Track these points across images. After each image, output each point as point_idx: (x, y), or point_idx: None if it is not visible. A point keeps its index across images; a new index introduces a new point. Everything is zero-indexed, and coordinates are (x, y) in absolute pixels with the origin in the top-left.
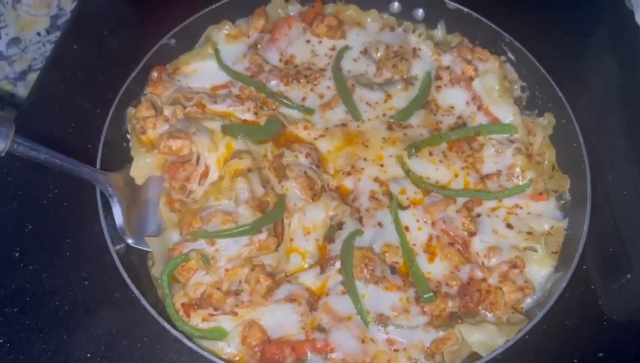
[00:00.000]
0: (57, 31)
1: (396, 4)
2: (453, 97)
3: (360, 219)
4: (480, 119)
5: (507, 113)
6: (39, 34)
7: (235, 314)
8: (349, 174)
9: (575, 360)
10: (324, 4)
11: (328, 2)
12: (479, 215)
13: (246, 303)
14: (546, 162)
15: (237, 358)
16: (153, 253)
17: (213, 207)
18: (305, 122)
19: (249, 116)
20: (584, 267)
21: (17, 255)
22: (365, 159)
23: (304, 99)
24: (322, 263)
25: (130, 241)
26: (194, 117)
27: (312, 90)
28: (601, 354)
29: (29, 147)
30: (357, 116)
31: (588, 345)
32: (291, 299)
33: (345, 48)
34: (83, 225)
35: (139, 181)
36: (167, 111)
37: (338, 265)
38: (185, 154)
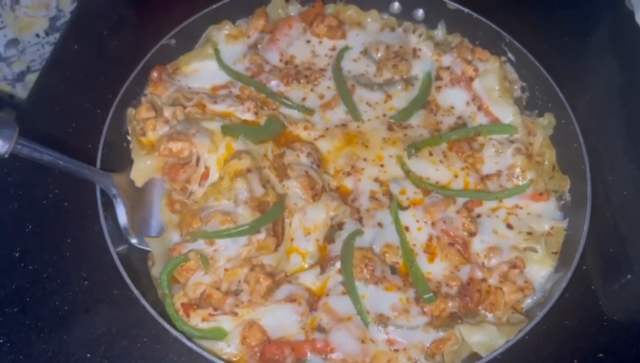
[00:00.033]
0: (56, 33)
1: (396, 4)
2: (453, 98)
3: (360, 220)
4: (481, 119)
5: (507, 113)
6: (37, 35)
7: (235, 314)
8: (349, 174)
9: (575, 361)
10: (324, 4)
11: (328, 2)
12: (479, 215)
13: (246, 303)
14: (546, 162)
15: (237, 358)
16: (153, 254)
17: (212, 207)
18: (305, 122)
19: (249, 116)
20: (584, 267)
21: (17, 255)
22: (365, 159)
23: (304, 99)
24: (322, 263)
25: (134, 241)
26: (194, 117)
27: (312, 90)
28: (601, 354)
29: (33, 148)
30: (357, 116)
31: (588, 346)
32: (291, 299)
33: (346, 48)
34: (83, 225)
35: (139, 183)
36: (167, 113)
37: (338, 265)
38: (185, 156)
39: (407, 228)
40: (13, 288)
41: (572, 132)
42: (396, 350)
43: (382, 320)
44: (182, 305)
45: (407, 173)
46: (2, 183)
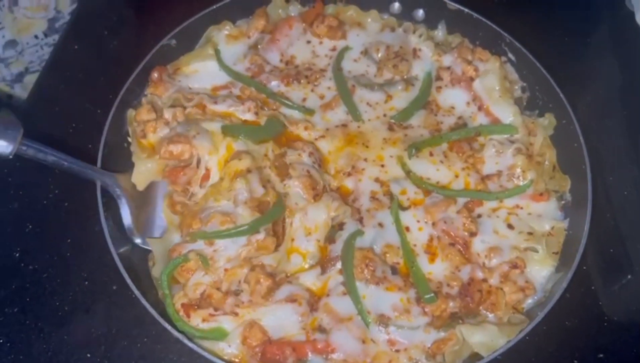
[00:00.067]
0: (55, 34)
1: (396, 5)
2: (453, 98)
3: (360, 220)
4: (481, 119)
5: (507, 113)
6: (36, 37)
7: (236, 314)
8: (349, 174)
9: (575, 361)
10: (325, 4)
11: (328, 2)
12: (479, 216)
13: (246, 303)
14: (547, 162)
15: (238, 358)
16: (154, 254)
17: (212, 208)
18: (305, 122)
19: (249, 116)
20: (584, 268)
21: (17, 255)
22: (365, 159)
23: (304, 99)
24: (323, 263)
25: (138, 241)
26: (194, 118)
27: (312, 90)
28: (601, 355)
29: (37, 149)
30: (358, 117)
31: (588, 346)
32: (292, 299)
33: (346, 48)
34: (83, 225)
35: (140, 187)
36: (168, 114)
37: (339, 265)
38: (186, 159)
39: (407, 228)
40: (13, 288)
41: (572, 132)
42: (397, 351)
43: (383, 321)
44: (183, 305)
45: (408, 173)
46: (2, 183)
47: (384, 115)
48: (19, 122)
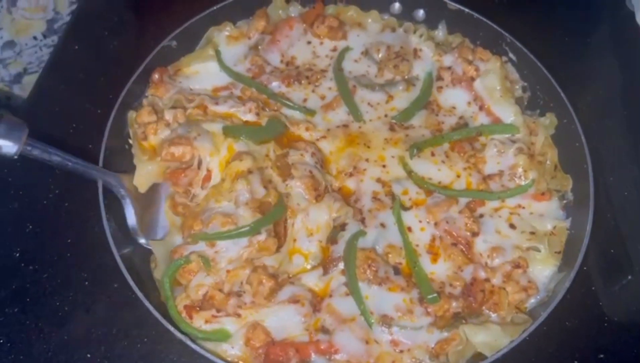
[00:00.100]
0: (54, 35)
1: (397, 5)
2: (454, 98)
3: (362, 220)
4: (482, 119)
5: (508, 113)
6: (35, 38)
7: (239, 316)
8: (351, 175)
9: (575, 362)
10: (325, 5)
11: (329, 3)
12: (481, 215)
13: (249, 304)
14: (548, 162)
15: (242, 360)
16: (156, 256)
17: (213, 209)
18: (307, 123)
19: (250, 117)
20: (585, 268)
21: (17, 255)
22: (367, 160)
23: (305, 100)
24: (325, 264)
25: (142, 241)
26: (195, 119)
27: (313, 91)
28: (602, 355)
29: (42, 149)
30: (359, 117)
31: (589, 347)
32: (294, 300)
33: (346, 49)
34: (83, 226)
35: (142, 189)
36: (168, 115)
37: (341, 266)
38: (187, 160)
39: (409, 229)
40: (13, 288)
41: (573, 131)
42: (400, 351)
43: (386, 321)
44: (185, 307)
45: (410, 173)
46: (2, 183)
47: (385, 115)
48: (24, 123)
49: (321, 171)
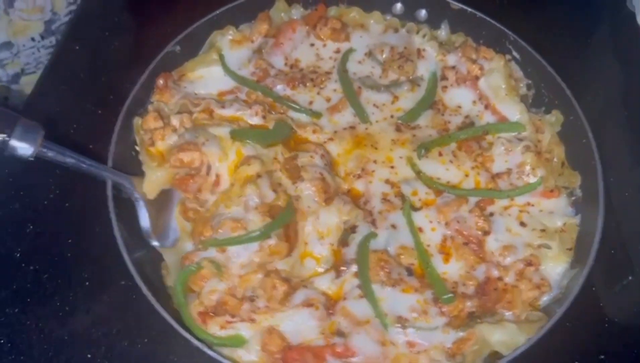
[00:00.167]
0: (52, 36)
1: (398, 5)
2: (460, 97)
3: (373, 222)
4: (488, 118)
5: (514, 111)
6: (33, 39)
7: (253, 321)
8: (359, 177)
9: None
10: (327, 7)
11: (331, 4)
12: (491, 214)
13: (263, 309)
14: (555, 159)
15: None
16: (167, 263)
17: (223, 215)
18: (313, 125)
19: (257, 120)
20: None
21: (18, 255)
22: (375, 161)
23: (311, 102)
24: (337, 267)
25: (155, 243)
26: (202, 123)
27: (318, 93)
28: (602, 356)
29: (57, 151)
30: (365, 118)
31: (589, 347)
32: (308, 304)
33: (350, 50)
34: (84, 226)
35: (151, 195)
36: (175, 121)
37: (353, 268)
38: (196, 167)
39: (420, 229)
40: (14, 288)
41: (580, 128)
42: (417, 352)
43: (401, 322)
44: (199, 313)
45: (418, 173)
46: (3, 183)
47: (391, 116)
48: (40, 126)
49: (331, 174)
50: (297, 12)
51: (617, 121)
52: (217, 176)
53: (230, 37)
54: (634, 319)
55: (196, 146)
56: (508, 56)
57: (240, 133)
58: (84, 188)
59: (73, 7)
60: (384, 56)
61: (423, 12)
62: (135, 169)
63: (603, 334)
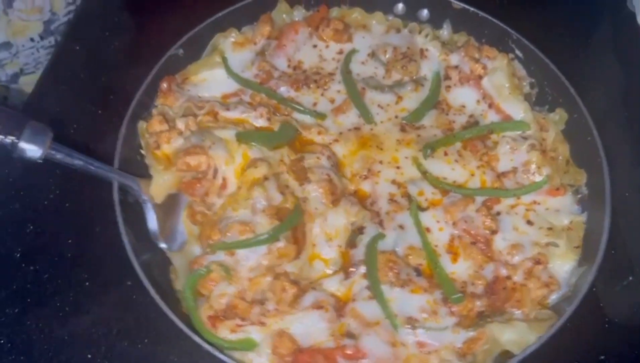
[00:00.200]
0: (51, 37)
1: (400, 5)
2: (463, 97)
3: (380, 223)
4: (492, 117)
5: (518, 110)
6: (32, 39)
7: (263, 324)
8: (365, 177)
9: None
10: (329, 8)
11: (332, 5)
12: (498, 213)
13: (272, 312)
14: (560, 157)
15: None
16: (175, 268)
17: (230, 218)
18: (318, 127)
19: (262, 122)
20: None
21: (18, 255)
22: (381, 162)
23: (315, 104)
24: (346, 268)
25: (163, 246)
26: (206, 126)
27: (322, 95)
28: (602, 357)
29: (65, 153)
30: (370, 119)
31: (589, 348)
32: (318, 306)
33: (353, 51)
34: (84, 226)
35: (158, 199)
36: (180, 124)
37: (361, 270)
38: (203, 170)
39: (428, 229)
40: (14, 288)
41: (584, 126)
42: (428, 352)
43: (411, 323)
44: (209, 317)
45: (424, 173)
46: (3, 183)
47: (396, 116)
48: (49, 128)
49: (337, 175)
50: (299, 13)
51: (617, 121)
52: (224, 179)
53: (232, 39)
54: (635, 320)
55: (203, 149)
56: (511, 55)
57: (246, 136)
58: (84, 188)
59: (72, 8)
60: (387, 56)
61: (425, 12)
62: (140, 173)
63: (603, 335)
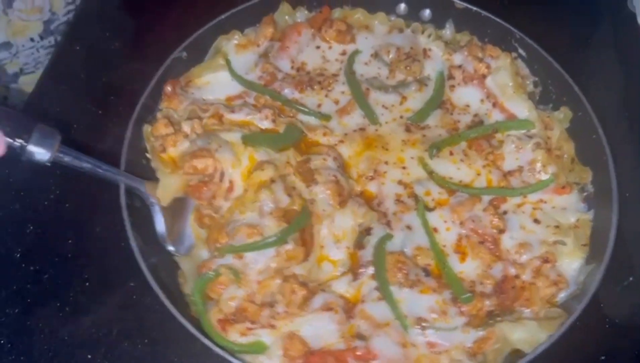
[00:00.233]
0: (51, 36)
1: (402, 6)
2: (467, 96)
3: (388, 224)
4: (496, 116)
5: (522, 109)
6: (32, 39)
7: (273, 326)
8: (372, 178)
9: None
10: (331, 9)
11: (335, 6)
12: (505, 212)
13: (282, 314)
14: (565, 155)
15: None
16: (184, 271)
17: (238, 221)
18: (323, 128)
19: (267, 124)
20: None
21: (18, 256)
22: (386, 162)
23: (319, 105)
24: (354, 270)
25: (171, 248)
26: (212, 129)
27: (326, 96)
28: (603, 357)
29: (74, 156)
30: (375, 120)
31: (589, 348)
32: (327, 308)
33: (356, 52)
34: (84, 227)
35: (164, 202)
36: (186, 127)
37: (370, 271)
38: (210, 173)
39: (435, 229)
40: (14, 289)
41: (589, 124)
42: (438, 353)
43: (421, 323)
44: (219, 321)
45: (430, 173)
46: (3, 184)
47: (400, 117)
48: (57, 131)
49: (344, 176)
50: (301, 14)
51: (618, 121)
52: (231, 182)
53: (235, 41)
54: (635, 320)
55: (209, 152)
56: (514, 54)
57: (252, 138)
58: (84, 188)
59: (71, 7)
60: (390, 56)
61: (427, 12)
62: (146, 177)
63: (604, 335)
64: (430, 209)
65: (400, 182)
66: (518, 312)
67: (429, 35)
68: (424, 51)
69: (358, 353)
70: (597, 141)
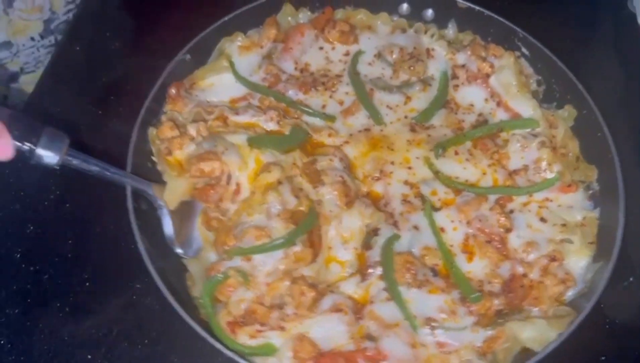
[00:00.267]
0: (51, 36)
1: (405, 6)
2: (471, 95)
3: (395, 224)
4: (501, 115)
5: (526, 108)
6: (32, 39)
7: (282, 328)
8: (378, 179)
9: None
10: (334, 9)
11: (337, 7)
12: (511, 211)
13: (291, 316)
14: (570, 154)
15: None
16: (192, 274)
17: (246, 223)
18: (328, 129)
19: (272, 126)
20: None
21: (18, 256)
22: (392, 162)
23: (324, 106)
24: (362, 270)
25: (179, 251)
26: (217, 131)
27: (331, 97)
28: (603, 358)
29: (82, 159)
30: (380, 120)
31: (589, 349)
32: (336, 309)
33: (359, 52)
34: (85, 227)
35: (172, 205)
36: (192, 130)
37: (378, 271)
38: (217, 176)
39: (442, 229)
40: (14, 289)
41: (594, 122)
42: (448, 353)
43: (430, 324)
44: (228, 323)
45: (436, 173)
46: (3, 184)
47: (405, 117)
48: (65, 134)
49: (350, 176)
50: (304, 16)
51: (618, 121)
52: (237, 184)
53: (239, 43)
54: (636, 320)
55: (216, 155)
56: (517, 53)
57: (258, 140)
58: (84, 188)
59: (72, 6)
60: (393, 56)
61: (430, 12)
62: (152, 180)
63: (604, 335)
64: (437, 209)
65: (406, 182)
66: (527, 311)
67: (432, 35)
68: (427, 50)
69: (368, 354)
70: (602, 139)
